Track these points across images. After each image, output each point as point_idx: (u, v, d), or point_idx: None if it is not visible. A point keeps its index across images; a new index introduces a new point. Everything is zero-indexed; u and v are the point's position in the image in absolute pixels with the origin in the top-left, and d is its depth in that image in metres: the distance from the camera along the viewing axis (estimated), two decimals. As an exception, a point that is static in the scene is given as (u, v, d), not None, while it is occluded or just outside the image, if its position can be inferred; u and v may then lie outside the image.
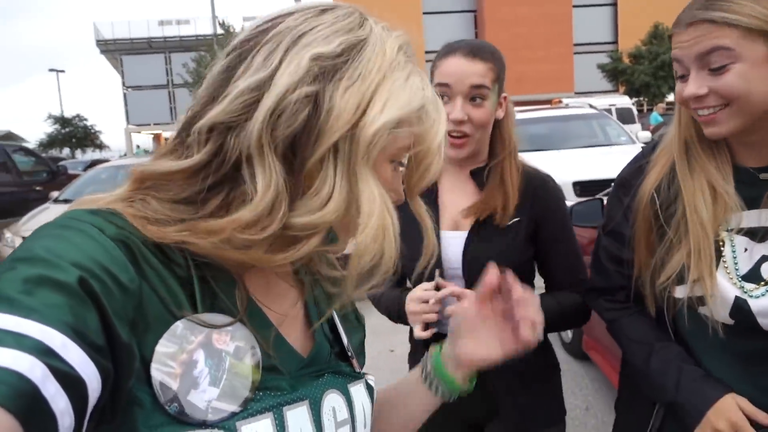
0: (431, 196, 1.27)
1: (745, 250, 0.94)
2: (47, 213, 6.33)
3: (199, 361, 0.48)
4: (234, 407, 0.48)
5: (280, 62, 0.48)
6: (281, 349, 0.55)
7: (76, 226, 0.45)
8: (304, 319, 0.62)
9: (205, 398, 0.47)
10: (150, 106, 43.01)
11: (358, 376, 0.64)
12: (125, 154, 33.46)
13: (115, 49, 43.64)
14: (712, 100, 0.90)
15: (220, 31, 25.61)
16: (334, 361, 0.62)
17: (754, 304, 0.91)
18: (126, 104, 44.63)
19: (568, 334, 3.69)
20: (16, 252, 0.43)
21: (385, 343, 3.64)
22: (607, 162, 5.92)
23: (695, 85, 0.91)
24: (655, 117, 16.10)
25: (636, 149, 6.52)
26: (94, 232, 0.45)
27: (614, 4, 39.75)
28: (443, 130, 0.56)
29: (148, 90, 43.67)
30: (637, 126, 12.39)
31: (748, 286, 0.93)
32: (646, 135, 7.45)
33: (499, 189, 1.24)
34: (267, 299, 0.56)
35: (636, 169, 1.10)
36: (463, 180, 1.31)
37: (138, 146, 40.28)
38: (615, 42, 38.29)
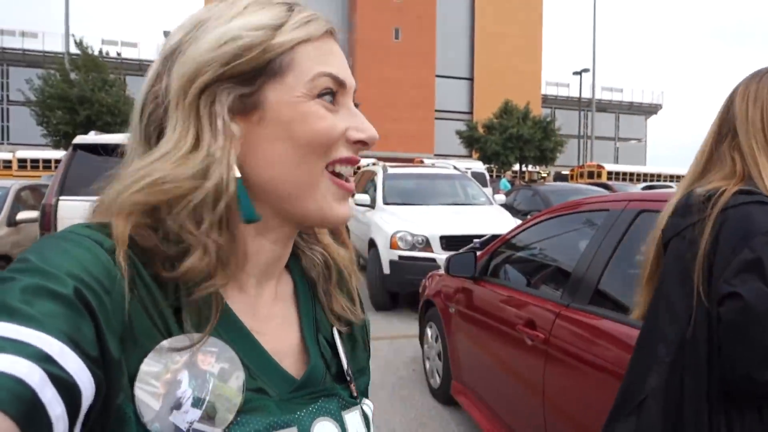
0: None
1: None
2: None
3: (183, 381, 0.47)
4: (216, 430, 0.48)
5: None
6: (270, 370, 0.54)
7: (73, 238, 0.46)
8: (301, 341, 0.61)
9: (187, 419, 0.47)
10: (-24, 122, 37.66)
11: (354, 403, 0.61)
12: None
13: (-63, 53, 37.95)
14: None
15: (74, 50, 23.59)
16: (330, 383, 0.60)
17: None
18: (-56, 116, 38.61)
19: (437, 380, 3.83)
20: (15, 264, 0.43)
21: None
22: (468, 219, 6.45)
23: None
24: (504, 183, 17.88)
25: (493, 209, 7.22)
26: (91, 244, 0.46)
27: (471, 79, 44.05)
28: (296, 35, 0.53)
29: (-26, 103, 38.31)
30: (489, 189, 13.61)
31: None
32: (501, 198, 8.24)
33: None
34: (256, 321, 0.56)
35: None
36: None
37: None
38: (471, 112, 42.22)
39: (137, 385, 0.45)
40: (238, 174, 0.51)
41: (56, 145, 23.51)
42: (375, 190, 7.33)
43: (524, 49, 43.59)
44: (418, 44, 39.37)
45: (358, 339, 0.69)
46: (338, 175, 0.56)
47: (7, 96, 38.28)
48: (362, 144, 0.56)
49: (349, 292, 0.68)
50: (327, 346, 0.62)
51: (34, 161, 28.06)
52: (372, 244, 6.38)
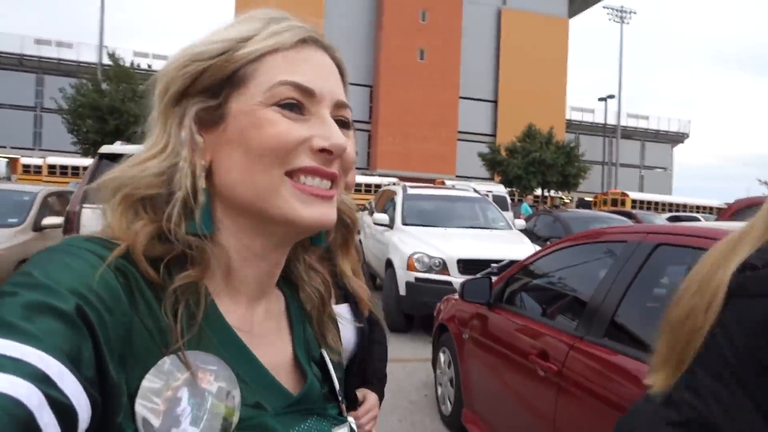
0: None
1: None
2: None
3: (183, 399, 0.48)
4: None
5: None
6: (267, 385, 0.55)
7: (75, 252, 0.46)
8: (293, 357, 0.62)
9: None
10: (9, 128, 38.80)
11: (342, 420, 0.63)
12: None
13: (-22, 61, 39.39)
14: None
15: (107, 60, 24.28)
16: (321, 402, 0.61)
17: None
18: (-20, 121, 39.91)
19: (448, 407, 3.78)
20: (16, 277, 0.43)
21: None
22: (487, 244, 6.40)
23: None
24: (525, 208, 17.73)
25: (512, 234, 7.16)
26: (93, 259, 0.46)
27: (495, 102, 44.10)
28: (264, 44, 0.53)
29: (9, 110, 39.54)
30: (510, 213, 13.51)
31: None
32: (521, 223, 8.15)
33: (353, 258, 1.10)
34: (252, 337, 0.56)
35: None
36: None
37: None
38: (494, 135, 42.15)
39: (138, 401, 0.45)
40: (203, 184, 0.52)
41: (85, 153, 24.12)
42: (394, 209, 7.34)
43: (549, 74, 43.59)
44: (442, 65, 39.65)
45: (336, 362, 0.70)
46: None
47: (41, 103, 39.46)
48: (328, 153, 0.54)
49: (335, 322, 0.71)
50: (317, 368, 0.64)
51: (63, 168, 28.79)
52: (389, 264, 6.36)
